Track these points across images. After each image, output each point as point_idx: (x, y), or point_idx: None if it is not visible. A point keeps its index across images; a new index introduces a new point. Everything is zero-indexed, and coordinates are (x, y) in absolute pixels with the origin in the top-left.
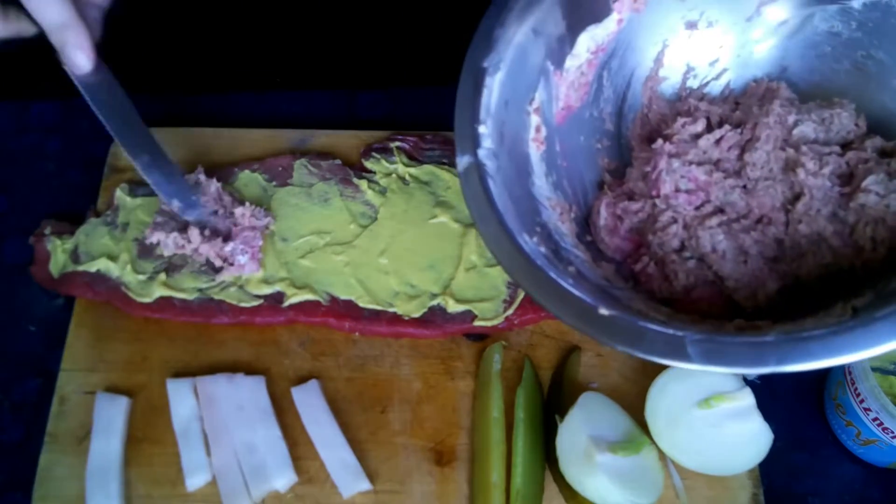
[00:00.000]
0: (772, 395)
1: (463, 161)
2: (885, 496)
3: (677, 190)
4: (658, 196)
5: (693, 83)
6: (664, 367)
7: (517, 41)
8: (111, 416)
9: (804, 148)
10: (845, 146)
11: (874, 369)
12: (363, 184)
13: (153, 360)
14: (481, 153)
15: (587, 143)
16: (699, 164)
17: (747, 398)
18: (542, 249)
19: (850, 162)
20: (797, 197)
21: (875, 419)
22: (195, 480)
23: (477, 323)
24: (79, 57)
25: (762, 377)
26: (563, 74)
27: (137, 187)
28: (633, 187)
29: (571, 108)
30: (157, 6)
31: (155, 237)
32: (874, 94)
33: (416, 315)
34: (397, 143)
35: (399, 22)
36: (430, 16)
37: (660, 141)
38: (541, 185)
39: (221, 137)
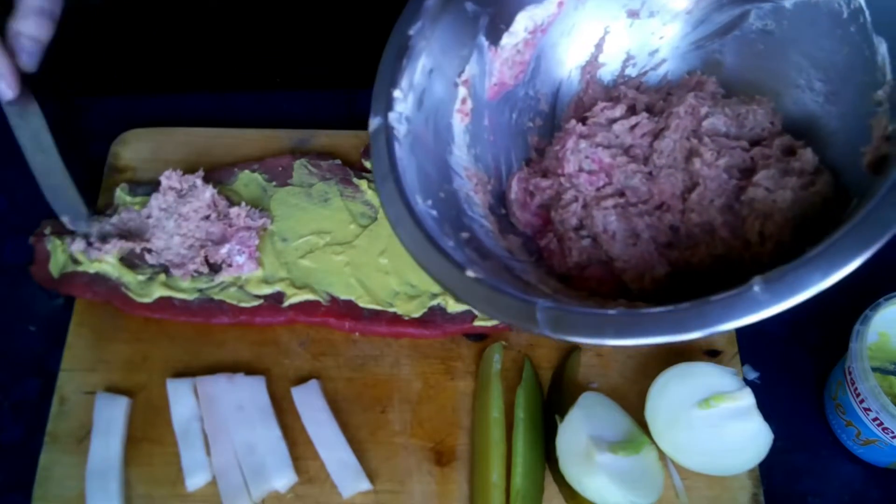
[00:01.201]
0: (772, 396)
1: (374, 123)
2: (885, 496)
3: (580, 170)
4: (563, 174)
5: (632, 71)
6: (664, 367)
7: (450, 14)
8: (111, 416)
9: (706, 139)
10: (756, 143)
11: (874, 369)
12: (363, 184)
13: (153, 360)
14: (392, 116)
15: (519, 121)
16: (606, 146)
17: (747, 398)
18: (434, 213)
19: (754, 157)
20: (695, 186)
21: (875, 419)
22: (195, 480)
23: (477, 323)
24: (1, 86)
25: (762, 377)
26: (499, 51)
27: (137, 187)
28: (548, 165)
29: (505, 84)
30: (158, 6)
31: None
32: (798, 94)
33: (416, 315)
34: None
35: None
36: None
37: (573, 121)
38: (460, 155)
39: (221, 137)
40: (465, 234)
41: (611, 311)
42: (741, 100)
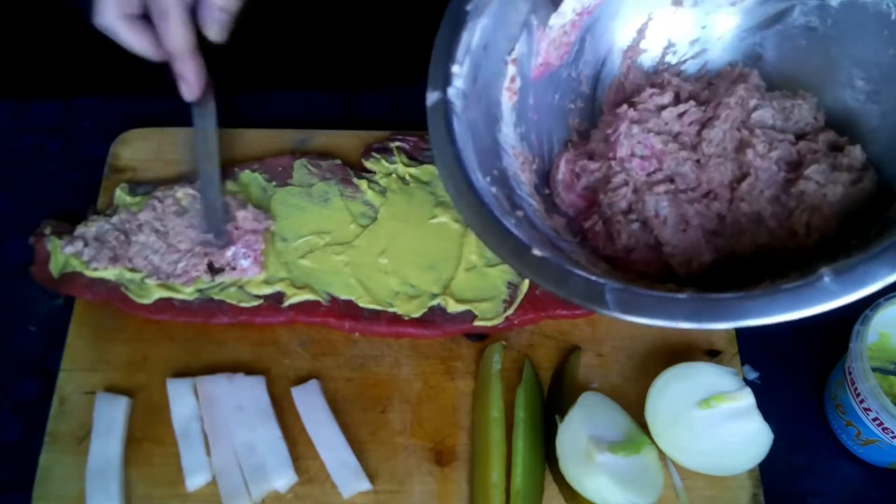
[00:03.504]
0: (772, 395)
1: (432, 97)
2: (885, 496)
3: (632, 154)
4: (614, 158)
5: (672, 59)
6: (664, 367)
7: None
8: (111, 416)
9: (758, 131)
10: (800, 136)
11: (874, 369)
12: (363, 184)
13: (153, 360)
14: (451, 91)
15: (561, 102)
16: (658, 133)
17: (747, 398)
18: (493, 190)
19: (800, 151)
20: (744, 176)
21: (875, 419)
22: (195, 480)
23: (477, 323)
24: (184, 89)
25: (762, 377)
26: (546, 31)
27: (137, 186)
28: (595, 148)
29: (550, 65)
30: None
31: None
32: (838, 91)
33: (416, 315)
34: (397, 143)
35: (399, 22)
36: (430, 16)
37: (624, 106)
38: (507, 132)
39: (222, 137)
40: (519, 213)
41: (681, 296)
42: (784, 94)
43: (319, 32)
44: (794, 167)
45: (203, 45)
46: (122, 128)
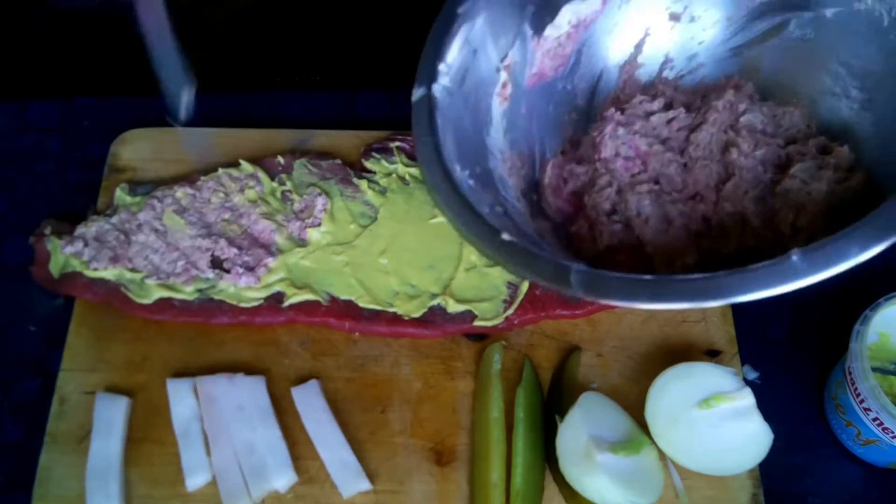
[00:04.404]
0: (772, 395)
1: (417, 92)
2: (885, 496)
3: (617, 154)
4: (599, 159)
5: (669, 74)
6: (664, 367)
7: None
8: (111, 416)
9: (744, 132)
10: (791, 142)
11: (874, 369)
12: (363, 184)
13: (153, 360)
14: (436, 87)
15: (556, 112)
16: (644, 135)
17: (747, 398)
18: (471, 182)
19: (789, 154)
20: (729, 177)
21: (875, 419)
22: (195, 480)
23: (477, 323)
24: None
25: (762, 377)
26: (541, 41)
27: (137, 186)
28: (583, 153)
29: (545, 75)
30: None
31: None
32: (834, 102)
33: (416, 315)
34: (397, 143)
35: (399, 22)
36: (430, 16)
37: (612, 109)
38: (497, 137)
39: (222, 137)
40: (499, 209)
41: (646, 276)
42: (777, 102)
43: (320, 32)
44: (783, 170)
45: (203, 45)
46: (122, 128)
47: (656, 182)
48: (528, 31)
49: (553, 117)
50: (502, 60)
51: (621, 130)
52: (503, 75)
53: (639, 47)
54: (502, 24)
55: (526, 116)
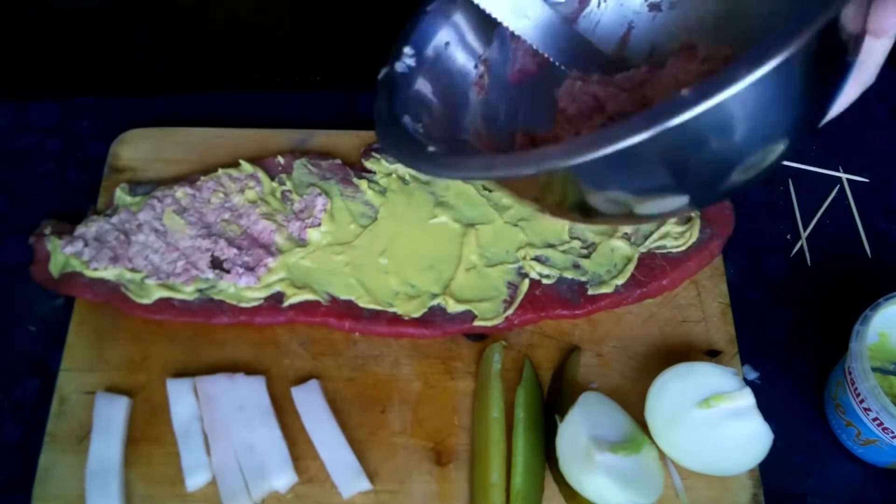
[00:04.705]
0: (772, 395)
1: (382, 72)
2: (885, 496)
3: (573, 101)
4: (563, 117)
5: (659, 61)
6: (664, 367)
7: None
8: (111, 416)
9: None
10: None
11: (874, 369)
12: (363, 184)
13: (153, 360)
14: (398, 65)
15: (544, 103)
16: (604, 86)
17: (747, 398)
18: (419, 127)
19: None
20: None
21: (875, 419)
22: (195, 480)
23: (477, 323)
24: None
25: (762, 377)
26: (521, 42)
27: (137, 186)
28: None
29: (528, 72)
30: (158, 7)
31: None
32: None
33: (416, 315)
34: None
35: (399, 22)
36: None
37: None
38: (475, 117)
39: (221, 137)
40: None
41: (497, 156)
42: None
43: (319, 32)
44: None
45: (203, 45)
46: (122, 128)
47: (611, 119)
48: (507, 33)
49: (542, 105)
50: (479, 57)
51: (578, 83)
52: (481, 68)
53: (624, 43)
54: (478, 23)
55: (507, 107)
